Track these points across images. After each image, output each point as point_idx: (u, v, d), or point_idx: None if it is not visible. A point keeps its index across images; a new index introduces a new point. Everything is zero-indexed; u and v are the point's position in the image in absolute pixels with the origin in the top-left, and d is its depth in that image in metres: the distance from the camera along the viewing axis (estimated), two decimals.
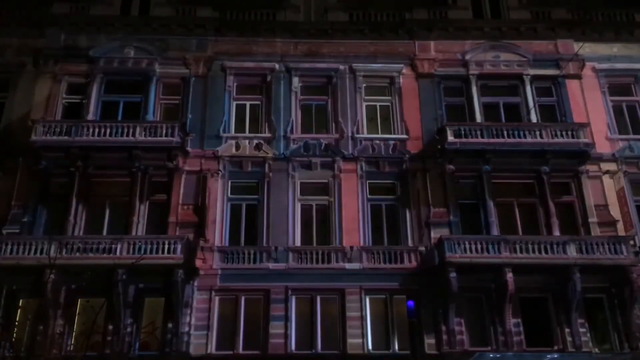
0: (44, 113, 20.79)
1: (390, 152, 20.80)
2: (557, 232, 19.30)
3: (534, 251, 18.34)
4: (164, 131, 20.03)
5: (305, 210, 20.23)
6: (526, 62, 22.29)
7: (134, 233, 18.95)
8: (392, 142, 20.97)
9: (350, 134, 21.06)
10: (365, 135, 21.16)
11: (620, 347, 18.16)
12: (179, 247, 18.10)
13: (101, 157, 19.88)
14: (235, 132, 21.21)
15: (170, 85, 21.96)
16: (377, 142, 20.98)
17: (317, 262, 18.94)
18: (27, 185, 19.61)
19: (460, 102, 22.07)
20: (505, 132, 20.18)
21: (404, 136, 21.08)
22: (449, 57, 22.43)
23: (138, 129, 19.93)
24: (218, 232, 19.44)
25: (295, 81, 21.98)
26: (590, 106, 21.66)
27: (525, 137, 20.14)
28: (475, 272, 18.31)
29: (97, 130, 19.81)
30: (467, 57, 22.34)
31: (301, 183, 20.41)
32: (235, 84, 22.05)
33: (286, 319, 18.19)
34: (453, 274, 18.06)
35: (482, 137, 20.15)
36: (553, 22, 22.96)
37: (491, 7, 23.70)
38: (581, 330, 18.10)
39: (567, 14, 23.15)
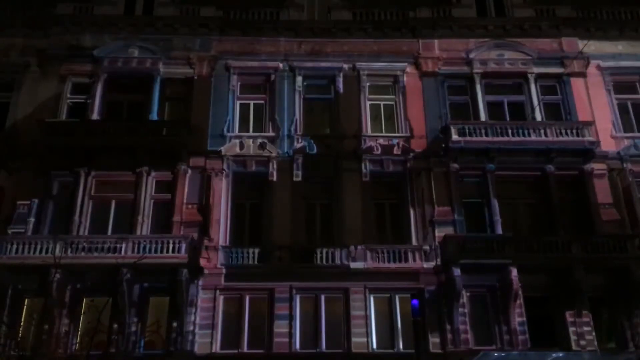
0: (48, 113, 20.80)
1: (394, 151, 20.77)
2: (562, 231, 19.22)
3: (538, 250, 18.32)
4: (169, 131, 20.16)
5: (309, 209, 20.24)
6: (530, 60, 22.23)
7: (138, 232, 18.99)
8: (396, 141, 20.94)
9: (354, 133, 21.04)
10: (369, 134, 21.13)
11: (625, 346, 18.08)
12: (184, 246, 18.15)
13: (107, 158, 19.91)
14: (239, 131, 21.22)
15: (174, 84, 21.98)
16: (381, 141, 20.95)
17: (321, 261, 18.91)
18: (32, 184, 19.65)
19: (464, 100, 22.03)
20: (509, 131, 20.16)
21: (408, 135, 21.04)
22: (453, 55, 22.38)
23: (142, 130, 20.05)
24: (222, 232, 19.45)
25: (299, 80, 21.96)
26: (595, 104, 21.59)
27: (529, 135, 20.12)
28: (480, 271, 18.27)
29: (101, 131, 19.95)
30: (471, 55, 22.30)
31: (304, 181, 20.38)
32: (239, 83, 22.06)
33: (290, 317, 18.19)
34: (457, 273, 18.05)
35: (487, 135, 20.14)
36: (557, 20, 22.91)
37: (495, 5, 23.64)
38: (586, 329, 18.03)
39: (571, 12, 23.10)
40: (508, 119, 21.42)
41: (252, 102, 21.94)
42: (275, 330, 18.05)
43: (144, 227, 19.35)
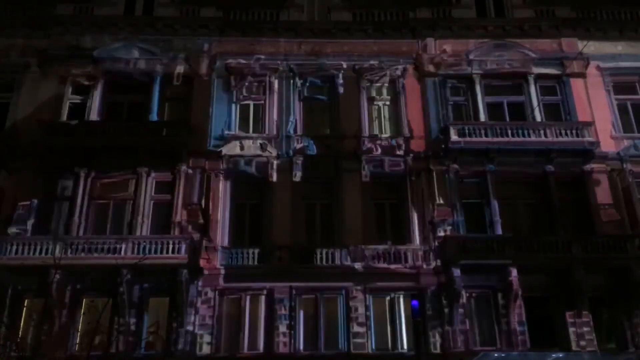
0: (48, 113, 20.79)
1: (394, 152, 20.76)
2: (562, 231, 19.23)
3: (538, 250, 18.32)
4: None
5: (309, 210, 20.24)
6: (530, 60, 22.21)
7: (138, 233, 18.98)
8: (395, 141, 20.94)
9: (353, 134, 21.03)
10: (369, 134, 21.13)
11: (625, 346, 18.08)
12: (184, 247, 18.14)
13: (107, 158, 19.93)
14: (239, 131, 21.21)
15: (174, 85, 21.96)
16: (381, 141, 20.94)
17: (321, 261, 18.90)
18: (32, 185, 19.65)
19: (464, 101, 22.03)
20: (509, 131, 20.17)
21: (408, 135, 21.04)
22: (452, 56, 22.37)
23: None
24: (222, 232, 19.44)
25: (299, 80, 21.96)
26: (595, 105, 21.58)
27: (529, 136, 20.13)
28: (480, 272, 18.28)
29: (101, 132, 20.00)
30: (471, 56, 22.29)
31: (304, 182, 20.38)
32: (238, 84, 22.02)
33: (290, 318, 18.19)
34: (457, 274, 18.05)
35: (486, 136, 20.15)
36: (557, 21, 22.92)
37: (495, 6, 23.65)
38: (586, 329, 18.04)
39: (571, 12, 23.11)
40: (508, 119, 21.41)
41: (252, 103, 21.92)
42: (275, 331, 18.04)
43: (144, 227, 19.34)
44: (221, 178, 20.23)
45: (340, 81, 21.93)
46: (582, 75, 22.06)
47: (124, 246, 17.98)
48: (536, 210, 20.36)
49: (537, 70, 22.12)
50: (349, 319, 18.26)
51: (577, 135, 20.20)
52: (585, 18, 23.04)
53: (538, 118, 21.25)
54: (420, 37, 22.72)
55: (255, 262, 18.96)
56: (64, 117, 21.04)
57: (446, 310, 18.26)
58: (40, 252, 17.71)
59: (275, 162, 20.52)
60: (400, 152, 20.73)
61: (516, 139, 20.03)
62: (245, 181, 20.61)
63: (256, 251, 19.07)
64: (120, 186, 20.15)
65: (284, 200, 19.95)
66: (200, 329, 18.04)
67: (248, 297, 18.68)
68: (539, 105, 21.43)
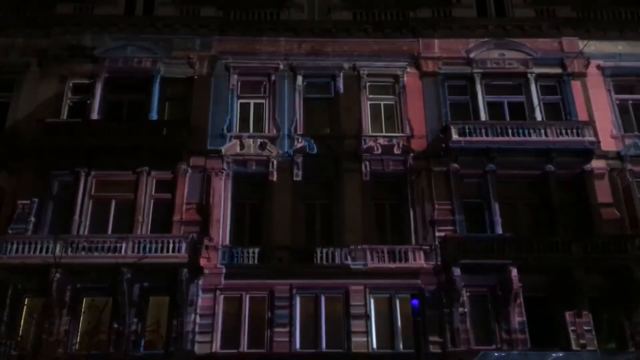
0: (48, 113, 20.79)
1: (395, 151, 20.77)
2: (562, 231, 19.22)
3: (538, 250, 18.31)
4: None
5: (309, 209, 20.24)
6: (531, 60, 22.22)
7: (138, 232, 18.99)
8: (396, 141, 20.94)
9: (354, 133, 21.04)
10: (370, 134, 21.13)
11: (625, 346, 18.07)
12: (184, 246, 18.16)
13: (107, 158, 19.91)
14: (239, 131, 21.22)
15: (175, 84, 21.98)
16: (381, 141, 20.94)
17: (321, 260, 18.90)
18: (33, 184, 19.66)
19: (464, 100, 22.02)
20: (509, 131, 20.15)
21: (408, 135, 21.05)
22: (453, 55, 22.38)
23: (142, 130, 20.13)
24: (222, 231, 19.44)
25: (299, 80, 21.97)
26: (596, 104, 21.58)
27: (530, 135, 20.11)
28: (480, 272, 18.28)
29: (101, 131, 20.00)
30: (472, 55, 22.30)
31: (304, 181, 20.38)
32: (239, 83, 22.05)
33: (290, 317, 18.20)
34: (457, 273, 18.05)
35: (487, 135, 20.13)
36: (558, 20, 22.91)
37: (495, 5, 23.62)
38: (586, 329, 18.05)
39: (571, 12, 23.09)
40: (508, 119, 21.41)
41: (252, 102, 21.93)
42: (275, 330, 18.06)
43: (144, 226, 19.36)
44: (221, 177, 20.23)
45: (341, 80, 21.95)
46: (582, 74, 22.07)
47: (124, 245, 17.98)
48: (536, 210, 20.36)
49: (537, 69, 22.11)
50: (349, 318, 18.26)
51: (578, 135, 20.18)
52: (586, 18, 23.02)
53: (538, 117, 21.24)
54: (420, 36, 22.71)
55: (256, 262, 18.97)
56: (64, 117, 21.04)
57: (446, 310, 18.26)
58: (41, 252, 17.70)
59: (275, 162, 20.53)
60: (401, 152, 20.74)
61: (516, 138, 20.02)
62: (246, 180, 20.63)
63: (256, 250, 19.08)
64: (121, 185, 20.14)
65: (284, 199, 19.96)
66: (201, 328, 18.04)
67: (248, 297, 18.67)
68: (539, 104, 21.41)
